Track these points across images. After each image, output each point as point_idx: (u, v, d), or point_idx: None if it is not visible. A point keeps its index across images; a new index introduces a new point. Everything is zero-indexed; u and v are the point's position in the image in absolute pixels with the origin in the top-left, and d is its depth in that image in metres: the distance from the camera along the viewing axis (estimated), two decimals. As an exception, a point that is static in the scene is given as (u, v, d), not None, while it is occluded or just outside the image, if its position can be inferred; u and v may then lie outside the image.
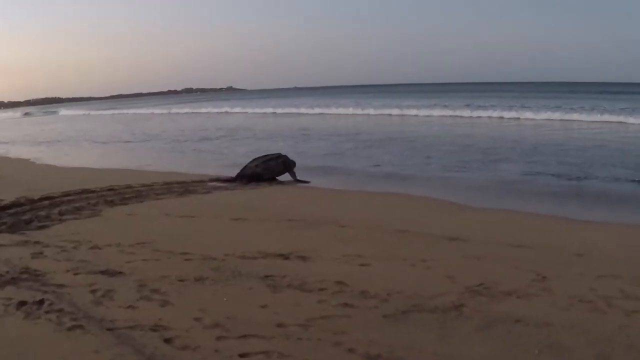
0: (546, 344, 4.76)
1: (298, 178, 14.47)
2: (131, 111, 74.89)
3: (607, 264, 6.95)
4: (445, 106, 46.62)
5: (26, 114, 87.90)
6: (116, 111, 76.94)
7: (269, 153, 15.61)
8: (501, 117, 36.53)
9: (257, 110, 57.70)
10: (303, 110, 52.18)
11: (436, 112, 41.66)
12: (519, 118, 35.31)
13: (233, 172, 15.04)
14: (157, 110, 71.27)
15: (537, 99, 54.36)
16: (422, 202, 11.51)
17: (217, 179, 14.46)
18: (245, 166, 14.65)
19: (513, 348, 4.73)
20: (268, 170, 14.43)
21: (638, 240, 8.45)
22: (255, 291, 6.09)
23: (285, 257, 7.34)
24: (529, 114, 35.96)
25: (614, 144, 21.24)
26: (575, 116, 33.72)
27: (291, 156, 15.37)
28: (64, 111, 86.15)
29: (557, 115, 34.33)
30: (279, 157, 14.91)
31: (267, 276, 6.51)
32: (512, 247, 7.79)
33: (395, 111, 44.83)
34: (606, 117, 32.02)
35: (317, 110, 50.58)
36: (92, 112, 78.00)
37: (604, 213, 10.39)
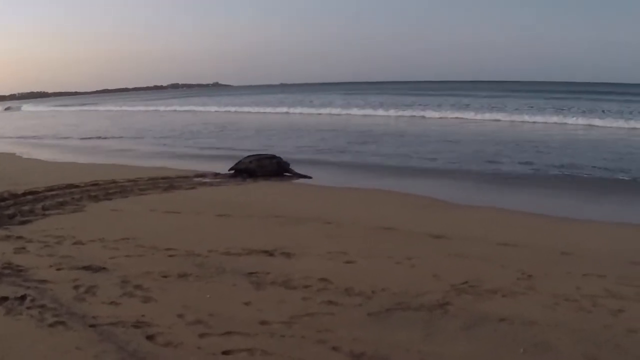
0: (531, 343, 4.74)
1: (298, 172, 14.69)
2: (99, 108, 69.36)
3: (592, 262, 6.95)
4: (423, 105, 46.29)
5: (7, 108, 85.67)
6: (85, 107, 72.48)
7: (263, 153, 15.90)
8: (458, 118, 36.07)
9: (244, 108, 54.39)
10: (292, 109, 49.63)
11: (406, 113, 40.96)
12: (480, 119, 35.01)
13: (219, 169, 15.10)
14: (114, 107, 67.38)
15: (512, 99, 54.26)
16: (407, 199, 11.48)
17: (203, 175, 14.40)
18: (240, 161, 14.86)
19: (498, 347, 4.71)
20: (261, 168, 14.60)
21: (622, 239, 8.46)
22: (239, 288, 6.04)
23: (269, 253, 7.29)
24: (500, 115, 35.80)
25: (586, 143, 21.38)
26: (538, 118, 33.43)
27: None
28: (28, 107, 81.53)
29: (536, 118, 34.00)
30: (273, 157, 15.14)
31: (251, 273, 6.46)
32: (497, 245, 7.78)
33: (354, 111, 44.16)
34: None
35: (298, 110, 48.66)
36: (59, 108, 73.87)
37: (589, 211, 10.42)
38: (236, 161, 15.03)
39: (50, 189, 11.75)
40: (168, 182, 13.12)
